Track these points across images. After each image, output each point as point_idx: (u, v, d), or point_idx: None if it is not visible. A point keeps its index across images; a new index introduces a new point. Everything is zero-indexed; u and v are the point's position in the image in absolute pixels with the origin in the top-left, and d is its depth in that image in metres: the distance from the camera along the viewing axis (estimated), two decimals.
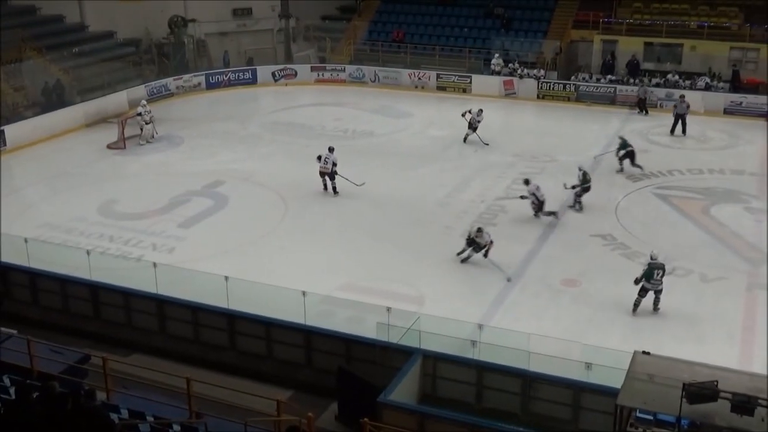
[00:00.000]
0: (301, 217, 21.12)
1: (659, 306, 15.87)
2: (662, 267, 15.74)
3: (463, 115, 27.56)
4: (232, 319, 14.72)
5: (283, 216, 21.23)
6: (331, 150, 22.64)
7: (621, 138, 25.14)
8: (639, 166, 24.43)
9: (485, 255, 17.76)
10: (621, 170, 24.44)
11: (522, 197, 20.61)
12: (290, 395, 12.68)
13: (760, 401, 9.11)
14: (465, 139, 27.60)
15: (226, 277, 15.12)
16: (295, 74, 37.38)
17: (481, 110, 27.75)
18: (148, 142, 27.64)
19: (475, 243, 17.78)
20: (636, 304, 15.89)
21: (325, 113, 31.97)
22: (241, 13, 40.08)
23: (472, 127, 27.46)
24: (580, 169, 21.61)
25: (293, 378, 13.86)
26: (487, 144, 27.20)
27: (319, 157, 22.59)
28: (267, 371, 14.06)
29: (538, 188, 20.50)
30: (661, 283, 15.73)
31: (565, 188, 21.39)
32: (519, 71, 34.79)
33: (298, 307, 14.50)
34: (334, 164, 22.40)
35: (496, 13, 38.71)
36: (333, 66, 37.89)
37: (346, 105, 33.54)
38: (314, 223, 20.70)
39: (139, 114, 27.70)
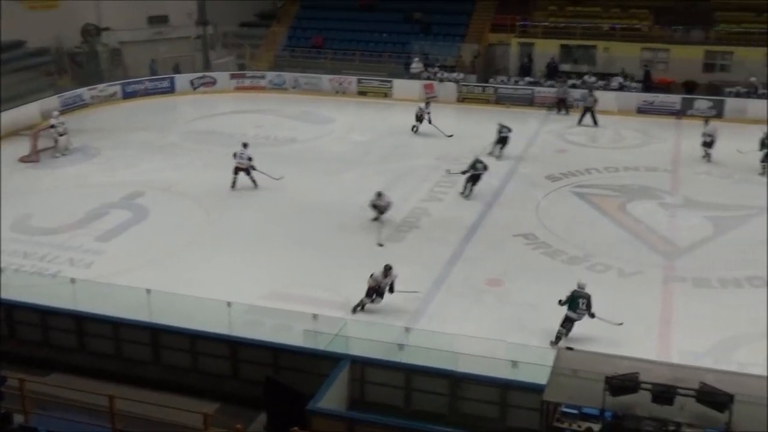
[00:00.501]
0: (224, 226, 20.84)
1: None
2: (587, 297, 15.00)
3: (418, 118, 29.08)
4: (155, 333, 14.37)
5: (205, 225, 20.92)
6: (245, 146, 23.19)
7: (499, 124, 26.32)
8: (497, 155, 25.86)
9: (391, 291, 16.13)
10: (491, 153, 25.86)
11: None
12: (217, 408, 12.43)
13: (679, 390, 9.37)
14: (413, 129, 29.20)
15: (148, 290, 14.80)
16: (215, 82, 36.97)
17: (428, 102, 29.62)
18: (63, 154, 26.88)
19: (375, 291, 16.06)
20: (557, 337, 14.88)
21: (245, 121, 31.66)
22: (157, 21, 39.42)
23: (420, 119, 28.85)
24: (476, 158, 22.63)
25: (220, 390, 13.61)
26: (451, 135, 28.48)
27: (235, 154, 23.01)
28: (193, 384, 13.77)
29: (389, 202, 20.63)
30: (585, 313, 14.97)
31: (448, 173, 23.00)
32: (438, 75, 35.16)
33: (222, 318, 14.29)
34: (250, 159, 22.96)
35: (415, 18, 39.06)
36: (253, 73, 37.61)
37: (267, 112, 33.31)
38: (237, 232, 20.44)
39: (53, 126, 26.92)
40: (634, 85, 33.37)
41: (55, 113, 27.87)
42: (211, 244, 19.71)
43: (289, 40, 40.00)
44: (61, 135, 26.90)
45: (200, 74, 37.20)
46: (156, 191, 23.39)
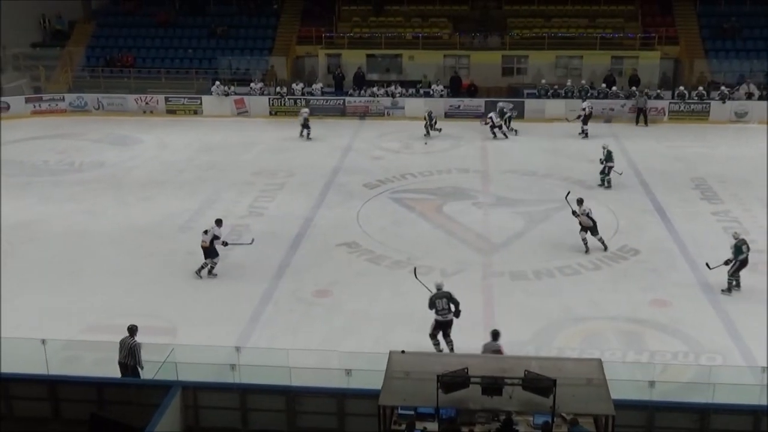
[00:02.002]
0: (31, 261, 19.43)
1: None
2: (445, 296, 14.83)
3: None
4: None
5: (10, 262, 19.42)
6: (218, 223, 18.71)
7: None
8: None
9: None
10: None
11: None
12: None
13: (506, 380, 9.74)
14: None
15: None
16: (8, 107, 34.59)
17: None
18: None
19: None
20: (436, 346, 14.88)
21: (46, 147, 29.86)
22: None
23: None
24: None
25: None
26: None
27: (206, 231, 18.57)
28: None
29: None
30: (449, 311, 14.80)
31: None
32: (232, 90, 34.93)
33: (38, 357, 13.34)
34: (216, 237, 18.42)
35: (219, 33, 38.56)
36: (50, 96, 35.58)
37: (70, 136, 31.59)
38: (46, 266, 19.13)
39: None
40: (441, 88, 34.50)
41: None
42: (18, 281, 18.33)
43: (88, 60, 38.22)
44: None
45: None
46: None
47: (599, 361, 10.55)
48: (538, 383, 9.68)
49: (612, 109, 31.20)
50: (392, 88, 34.57)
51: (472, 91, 34.63)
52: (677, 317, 16.18)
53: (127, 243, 20.52)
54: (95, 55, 38.48)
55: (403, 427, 10.36)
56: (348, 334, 15.69)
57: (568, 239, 20.17)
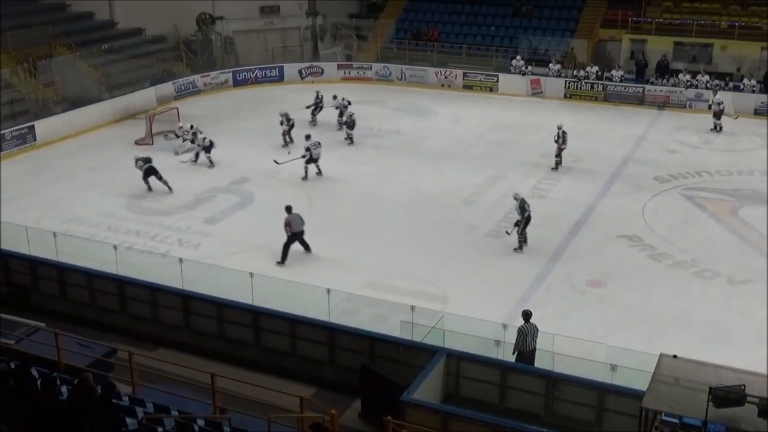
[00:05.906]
0: (326, 215, 21.14)
1: None
2: None
3: None
4: (256, 316, 14.78)
5: (308, 213, 21.17)
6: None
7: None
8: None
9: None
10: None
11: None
12: (314, 392, 12.73)
13: None
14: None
15: (251, 274, 15.18)
16: (322, 72, 37.48)
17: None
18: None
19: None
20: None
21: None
22: (269, 11, 40.24)
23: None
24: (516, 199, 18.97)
25: (317, 375, 13.90)
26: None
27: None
28: (291, 368, 14.10)
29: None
30: None
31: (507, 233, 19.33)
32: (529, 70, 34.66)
33: (322, 305, 14.52)
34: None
35: (523, 12, 38.63)
36: (360, 64, 37.94)
37: (372, 103, 33.50)
38: (339, 221, 20.73)
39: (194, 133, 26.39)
40: (753, 83, 31.86)
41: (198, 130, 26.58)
42: (313, 232, 19.95)
43: (396, 33, 40.18)
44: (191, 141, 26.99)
45: (308, 64, 37.79)
46: (262, 177, 23.94)
47: None
48: None
49: None
50: (705, 77, 32.42)
51: None
52: None
53: (413, 209, 21.51)
54: (404, 27, 40.32)
55: None
56: (617, 328, 15.30)
57: None
